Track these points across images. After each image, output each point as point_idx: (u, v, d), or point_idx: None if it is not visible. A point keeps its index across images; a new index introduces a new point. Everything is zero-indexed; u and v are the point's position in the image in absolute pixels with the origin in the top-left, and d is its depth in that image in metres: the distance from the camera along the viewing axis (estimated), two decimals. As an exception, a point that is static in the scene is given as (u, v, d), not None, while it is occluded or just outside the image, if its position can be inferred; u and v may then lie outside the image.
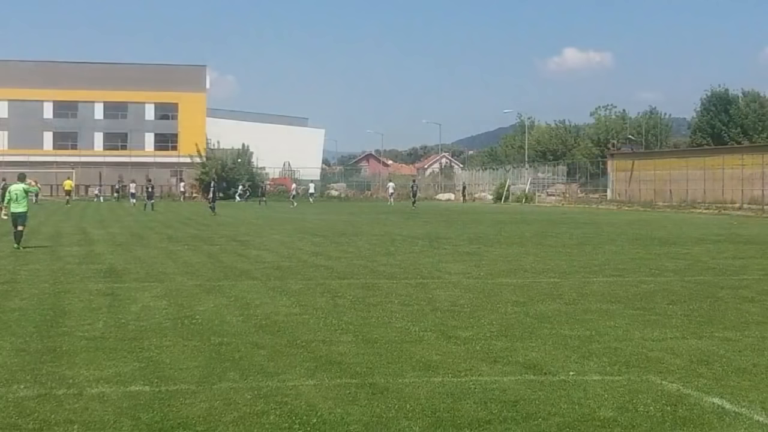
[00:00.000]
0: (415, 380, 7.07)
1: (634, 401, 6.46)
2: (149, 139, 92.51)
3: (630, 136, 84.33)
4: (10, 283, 13.52)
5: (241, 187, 70.62)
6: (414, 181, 70.15)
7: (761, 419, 6.06)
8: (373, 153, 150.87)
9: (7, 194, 21.08)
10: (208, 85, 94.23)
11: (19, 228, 19.79)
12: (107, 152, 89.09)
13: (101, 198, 70.80)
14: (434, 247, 21.65)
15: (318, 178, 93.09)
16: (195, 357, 7.94)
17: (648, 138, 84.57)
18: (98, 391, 6.64)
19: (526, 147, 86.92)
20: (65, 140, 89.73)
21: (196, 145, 78.87)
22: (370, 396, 6.55)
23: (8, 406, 6.22)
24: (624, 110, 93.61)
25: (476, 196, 79.84)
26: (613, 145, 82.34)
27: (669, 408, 6.29)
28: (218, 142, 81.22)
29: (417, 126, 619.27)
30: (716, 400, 6.52)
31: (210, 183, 50.90)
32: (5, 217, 25.12)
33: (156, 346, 8.42)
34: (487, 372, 7.43)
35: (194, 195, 75.72)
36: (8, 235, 21.45)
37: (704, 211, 50.15)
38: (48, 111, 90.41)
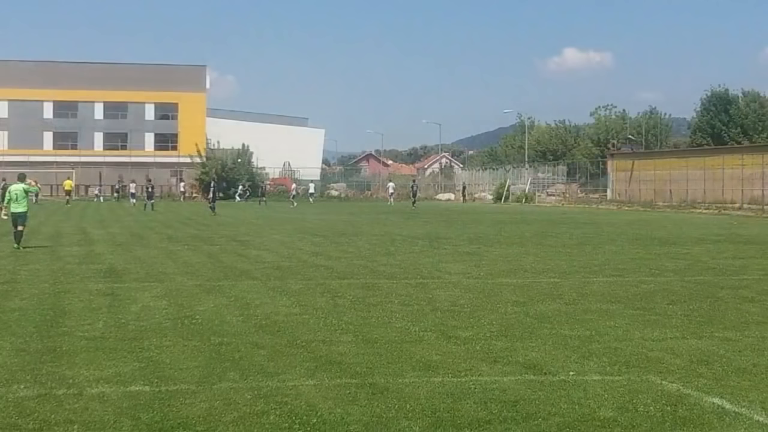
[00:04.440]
0: (415, 380, 7.07)
1: (634, 401, 6.46)
2: (149, 139, 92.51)
3: (630, 136, 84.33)
4: (10, 283, 13.52)
5: (241, 187, 70.61)
6: (414, 181, 70.14)
7: (761, 419, 6.06)
8: (373, 153, 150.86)
9: (7, 194, 21.08)
10: (208, 85, 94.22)
11: (19, 228, 19.79)
12: (107, 152, 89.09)
13: (101, 198, 70.79)
14: (434, 247, 21.64)
15: (318, 178, 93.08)
16: (195, 357, 7.94)
17: (648, 138, 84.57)
18: (98, 391, 6.64)
19: (526, 147, 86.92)
20: (65, 140, 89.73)
21: (196, 145, 78.87)
22: (370, 396, 6.55)
23: (8, 406, 6.22)
24: (624, 110, 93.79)
25: (476, 196, 79.84)
26: (613, 145, 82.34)
27: (669, 408, 6.29)
28: (218, 142, 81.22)
29: (417, 126, 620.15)
30: (716, 400, 6.52)
31: (210, 183, 50.90)
32: (5, 217, 25.12)
33: (156, 346, 8.42)
34: (487, 372, 7.43)
35: (194, 195, 75.70)
36: (8, 235, 21.45)
37: (704, 211, 50.15)
38: (48, 111, 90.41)
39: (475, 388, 6.80)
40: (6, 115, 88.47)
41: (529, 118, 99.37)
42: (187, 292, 12.56)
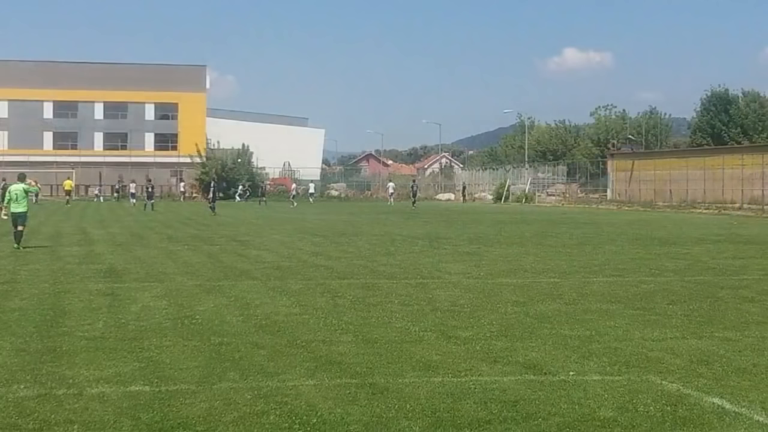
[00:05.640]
0: (415, 380, 7.07)
1: (634, 401, 6.46)
2: (149, 139, 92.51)
3: (630, 136, 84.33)
4: (10, 283, 13.52)
5: (241, 187, 70.61)
6: (414, 181, 70.14)
7: (761, 419, 6.06)
8: (373, 153, 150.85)
9: (7, 194, 21.08)
10: (208, 85, 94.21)
11: (19, 228, 19.79)
12: (107, 152, 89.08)
13: (101, 198, 70.79)
14: (434, 247, 21.64)
15: (318, 178, 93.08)
16: (195, 357, 7.94)
17: (648, 138, 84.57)
18: (98, 391, 6.64)
19: (526, 147, 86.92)
20: (65, 140, 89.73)
21: (196, 145, 78.87)
22: (370, 396, 6.55)
23: (8, 406, 6.22)
24: (624, 110, 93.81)
25: (476, 196, 79.83)
26: (613, 145, 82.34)
27: (669, 408, 6.29)
28: (218, 142, 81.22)
29: (417, 126, 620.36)
30: (716, 400, 6.52)
31: (210, 183, 50.90)
32: (5, 217, 25.12)
33: (156, 346, 8.42)
34: (487, 372, 7.43)
35: (194, 195, 75.70)
36: (8, 235, 21.45)
37: (704, 211, 50.15)
38: (48, 111, 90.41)
39: (475, 388, 6.80)
40: (6, 115, 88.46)
41: (529, 118, 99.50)
42: (187, 292, 12.55)
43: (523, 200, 70.84)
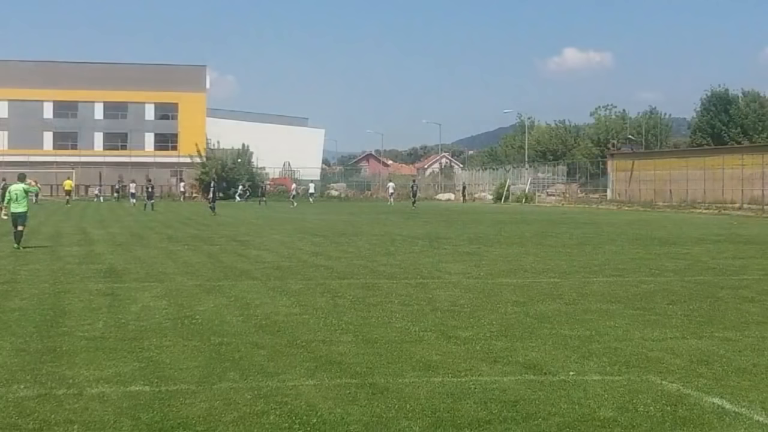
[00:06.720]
0: (415, 380, 7.07)
1: (634, 401, 6.46)
2: (149, 139, 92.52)
3: (630, 136, 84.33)
4: (10, 283, 13.52)
5: (241, 187, 70.62)
6: (414, 181, 70.14)
7: (761, 419, 6.07)
8: (373, 153, 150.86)
9: (7, 194, 21.08)
10: (208, 85, 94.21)
11: (19, 228, 19.79)
12: (107, 152, 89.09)
13: (101, 198, 70.79)
14: (434, 247, 21.64)
15: (318, 178, 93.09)
16: (195, 357, 7.94)
17: (648, 138, 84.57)
18: (98, 391, 6.64)
19: (526, 147, 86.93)
20: (65, 140, 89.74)
21: (196, 145, 78.87)
22: (370, 396, 6.55)
23: (8, 406, 6.22)
24: (624, 110, 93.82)
25: (476, 196, 79.84)
26: (613, 145, 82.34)
27: (669, 408, 6.29)
28: (218, 142, 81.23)
29: (417, 126, 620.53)
30: (716, 400, 6.52)
31: (210, 183, 50.91)
32: (5, 217, 25.12)
33: (156, 346, 8.42)
34: (487, 372, 7.43)
35: (194, 195, 75.70)
36: (8, 235, 21.45)
37: (704, 211, 50.15)
38: (48, 111, 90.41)
39: (475, 388, 6.80)
40: (6, 115, 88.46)
41: (529, 118, 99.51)
42: (187, 292, 12.56)
43: (523, 200, 70.84)
